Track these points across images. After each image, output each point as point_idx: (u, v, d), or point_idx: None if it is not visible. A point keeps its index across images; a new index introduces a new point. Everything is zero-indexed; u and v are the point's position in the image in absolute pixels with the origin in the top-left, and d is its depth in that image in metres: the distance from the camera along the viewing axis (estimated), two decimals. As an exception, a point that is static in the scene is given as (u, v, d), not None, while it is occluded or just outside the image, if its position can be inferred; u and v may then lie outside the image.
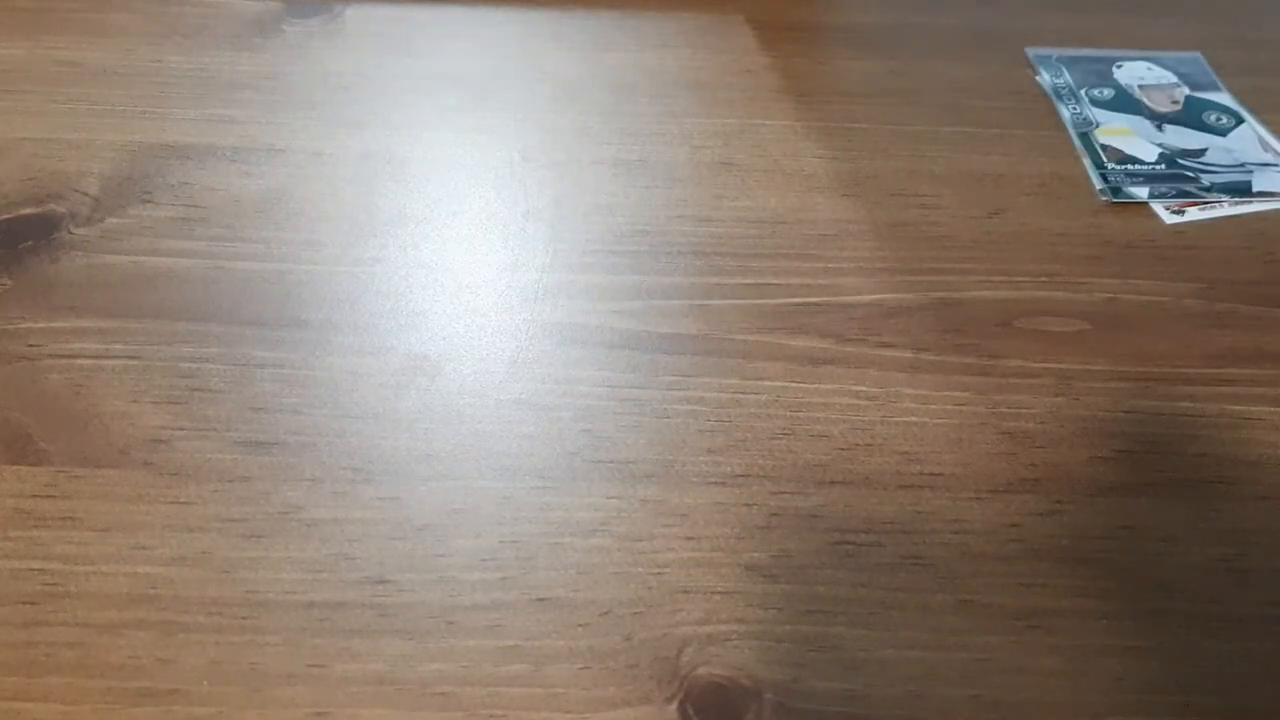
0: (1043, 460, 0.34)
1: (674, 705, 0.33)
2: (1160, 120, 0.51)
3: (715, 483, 0.36)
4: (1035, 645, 0.33)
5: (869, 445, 0.37)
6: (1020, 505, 0.34)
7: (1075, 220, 0.45)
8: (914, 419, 0.38)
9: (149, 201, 0.36)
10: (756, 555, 0.34)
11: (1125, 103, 0.52)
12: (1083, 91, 0.52)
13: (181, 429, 0.34)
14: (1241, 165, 0.48)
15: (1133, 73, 0.54)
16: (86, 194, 0.36)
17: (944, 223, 0.44)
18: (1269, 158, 0.49)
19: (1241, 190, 0.47)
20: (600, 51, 0.43)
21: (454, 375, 0.35)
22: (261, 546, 0.34)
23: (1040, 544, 0.34)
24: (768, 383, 0.38)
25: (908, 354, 0.40)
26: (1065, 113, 0.51)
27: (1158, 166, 0.48)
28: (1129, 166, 0.48)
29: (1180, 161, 0.48)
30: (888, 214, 0.45)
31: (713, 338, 0.39)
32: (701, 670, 0.33)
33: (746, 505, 0.35)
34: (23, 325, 0.35)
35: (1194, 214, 0.45)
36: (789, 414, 0.37)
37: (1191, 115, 0.51)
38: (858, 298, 0.41)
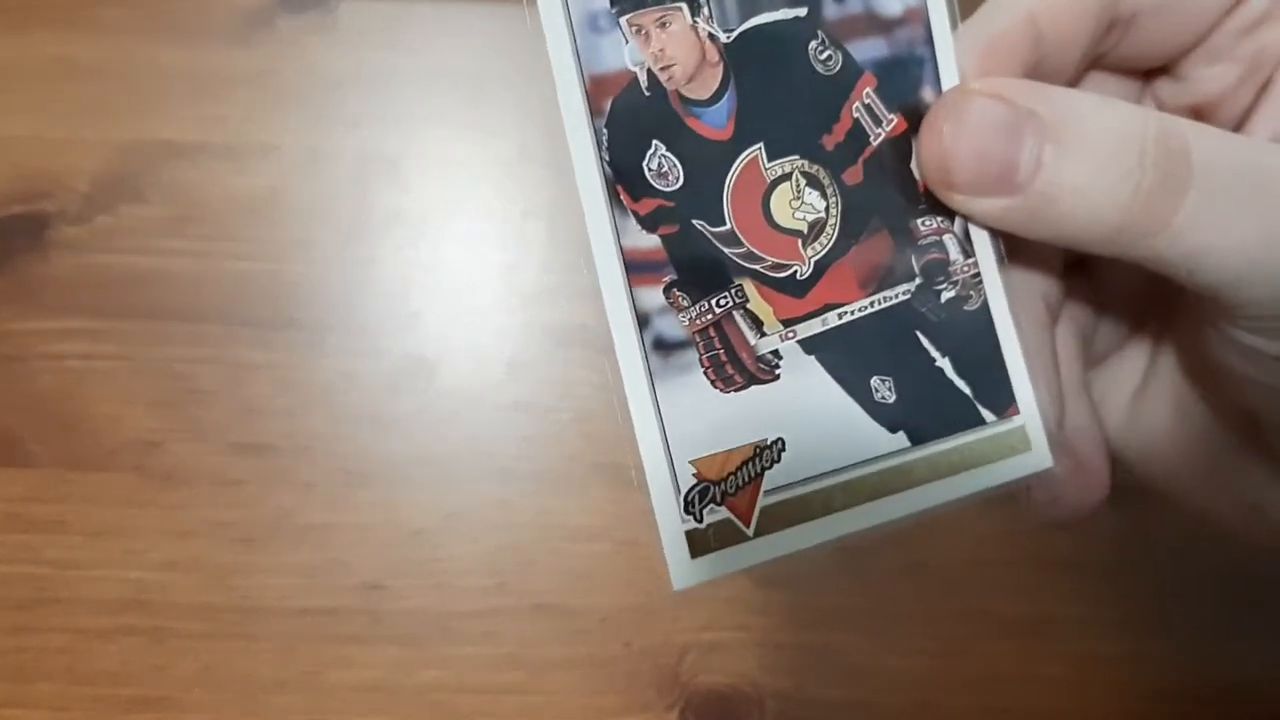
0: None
1: (675, 713, 0.32)
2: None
3: (716, 487, 0.35)
4: (1041, 653, 0.33)
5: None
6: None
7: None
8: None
9: (140, 200, 0.36)
10: (758, 560, 0.33)
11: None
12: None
13: (173, 432, 0.34)
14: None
15: None
16: (77, 192, 0.36)
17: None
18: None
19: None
20: None
21: (450, 377, 0.35)
22: (254, 551, 0.33)
23: (1045, 550, 0.33)
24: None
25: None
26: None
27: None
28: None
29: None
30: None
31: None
32: (702, 678, 0.33)
33: (748, 510, 0.34)
34: (12, 326, 0.35)
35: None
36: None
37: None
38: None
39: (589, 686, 0.32)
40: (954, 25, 0.18)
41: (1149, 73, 0.21)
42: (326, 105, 0.36)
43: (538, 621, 0.33)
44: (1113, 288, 0.22)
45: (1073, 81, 0.20)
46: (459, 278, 0.36)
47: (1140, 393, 0.22)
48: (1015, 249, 0.19)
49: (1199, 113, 0.20)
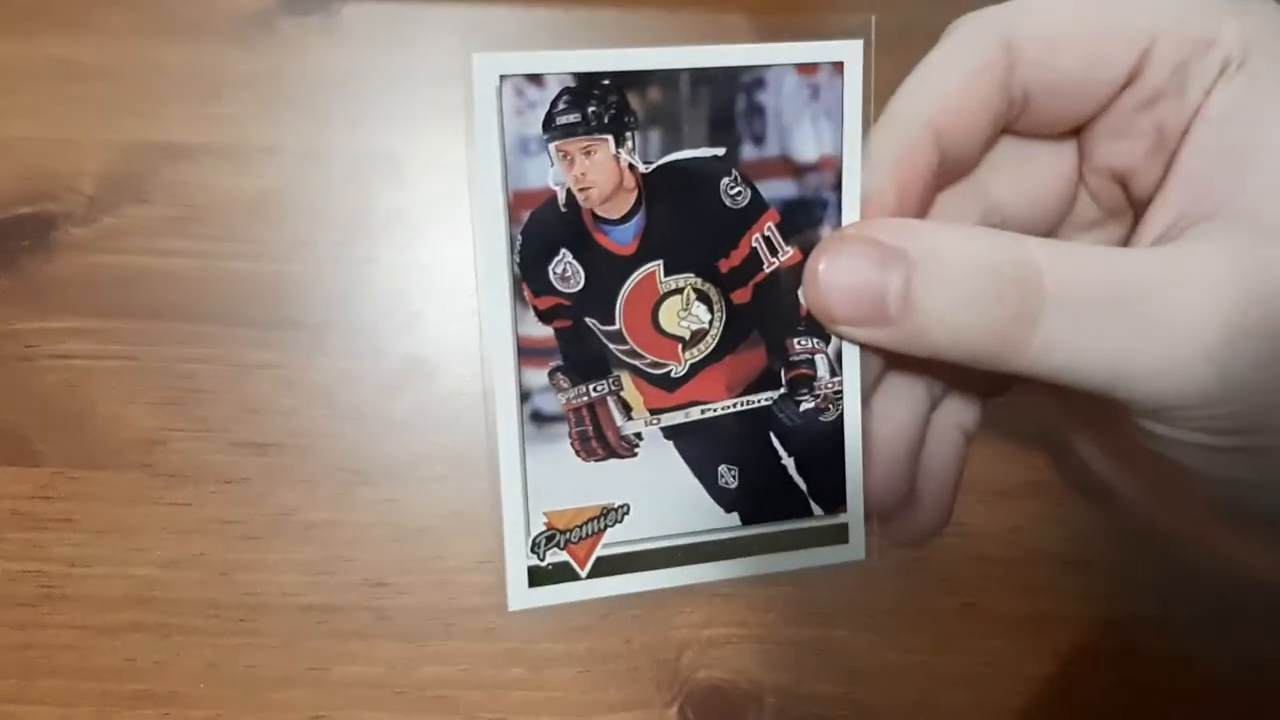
0: (1046, 463, 0.34)
1: (674, 709, 0.33)
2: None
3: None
4: (1039, 650, 0.33)
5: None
6: (1023, 508, 0.34)
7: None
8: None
9: (144, 201, 0.36)
10: (757, 558, 0.34)
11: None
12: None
13: (178, 430, 0.34)
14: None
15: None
16: (81, 193, 0.36)
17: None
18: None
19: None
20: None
21: (451, 376, 0.35)
22: (258, 549, 0.33)
23: (1044, 547, 0.33)
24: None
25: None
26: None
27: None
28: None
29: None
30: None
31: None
32: (702, 674, 0.33)
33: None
34: (18, 325, 0.35)
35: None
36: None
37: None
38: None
39: (590, 682, 0.33)
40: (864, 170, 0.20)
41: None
42: (328, 106, 0.37)
43: (539, 618, 0.33)
44: None
45: (981, 155, 0.21)
46: (459, 277, 0.36)
47: (1084, 432, 0.23)
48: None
49: (1120, 179, 0.21)
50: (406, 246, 0.36)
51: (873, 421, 0.21)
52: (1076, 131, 0.21)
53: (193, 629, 0.33)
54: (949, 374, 0.22)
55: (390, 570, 0.33)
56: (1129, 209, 0.22)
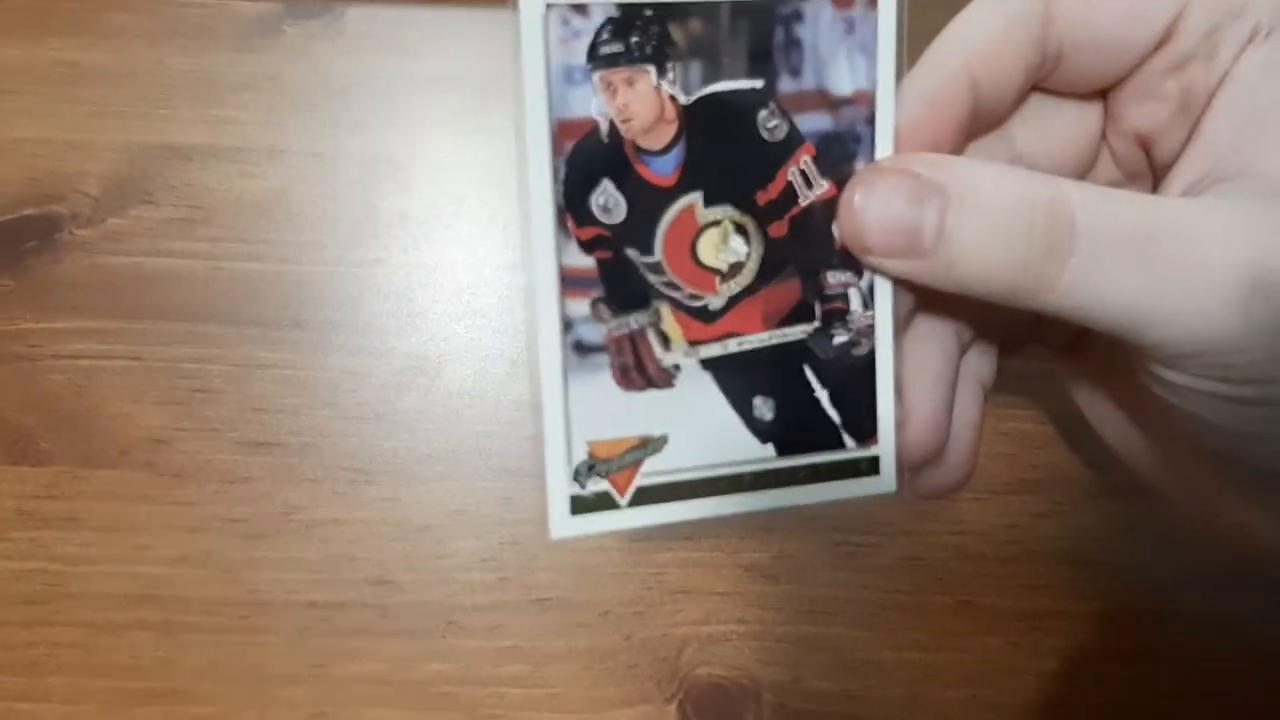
0: (1042, 461, 0.34)
1: (673, 705, 0.33)
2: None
3: (715, 483, 0.36)
4: (1034, 647, 0.33)
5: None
6: (1019, 506, 0.34)
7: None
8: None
9: (150, 202, 0.36)
10: (756, 555, 0.34)
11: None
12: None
13: (183, 430, 0.34)
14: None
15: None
16: (87, 195, 0.36)
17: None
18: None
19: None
20: None
21: (454, 376, 0.35)
22: (262, 547, 0.34)
23: (1039, 545, 0.34)
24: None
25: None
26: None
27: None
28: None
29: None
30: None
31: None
32: (701, 670, 0.33)
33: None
34: (24, 326, 0.35)
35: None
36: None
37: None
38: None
39: (590, 679, 0.33)
40: (896, 106, 0.20)
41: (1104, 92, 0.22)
42: (333, 109, 0.37)
43: (540, 615, 0.33)
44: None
45: (1012, 108, 0.22)
46: (462, 278, 0.36)
47: (1093, 392, 0.24)
48: (932, 291, 0.21)
49: (1144, 141, 0.21)
50: (411, 248, 0.36)
51: (910, 370, 0.22)
52: (1104, 94, 0.22)
53: (197, 626, 0.33)
54: (974, 321, 0.23)
55: (393, 568, 0.34)
56: (1149, 173, 0.22)
